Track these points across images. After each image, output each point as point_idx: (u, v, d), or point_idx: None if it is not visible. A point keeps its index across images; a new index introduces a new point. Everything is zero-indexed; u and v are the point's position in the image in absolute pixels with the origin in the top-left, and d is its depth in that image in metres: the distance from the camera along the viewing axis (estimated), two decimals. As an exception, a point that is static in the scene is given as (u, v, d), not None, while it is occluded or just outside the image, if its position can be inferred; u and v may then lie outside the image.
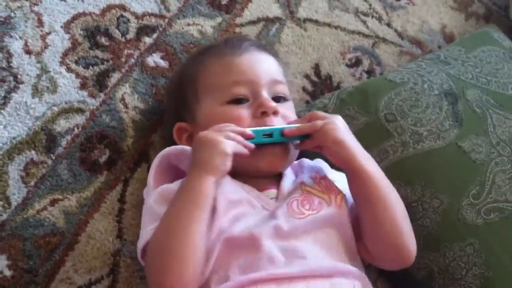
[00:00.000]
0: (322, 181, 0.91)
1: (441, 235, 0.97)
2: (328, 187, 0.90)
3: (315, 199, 0.88)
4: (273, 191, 0.91)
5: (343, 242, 0.86)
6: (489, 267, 0.95)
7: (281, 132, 0.88)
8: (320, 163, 0.98)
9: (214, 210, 0.83)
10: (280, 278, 0.79)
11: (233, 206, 0.85)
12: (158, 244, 0.79)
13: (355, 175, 0.87)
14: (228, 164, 0.82)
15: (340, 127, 0.88)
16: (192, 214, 0.79)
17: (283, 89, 0.96)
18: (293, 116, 0.95)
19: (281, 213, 0.85)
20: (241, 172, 0.89)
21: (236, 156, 0.84)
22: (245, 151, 0.84)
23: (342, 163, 0.88)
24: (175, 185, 0.86)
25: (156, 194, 0.87)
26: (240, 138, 0.84)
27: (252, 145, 0.85)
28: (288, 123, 0.91)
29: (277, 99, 0.94)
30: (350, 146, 0.87)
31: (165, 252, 0.78)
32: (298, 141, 0.92)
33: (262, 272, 0.79)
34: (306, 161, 0.98)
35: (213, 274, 0.80)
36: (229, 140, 0.83)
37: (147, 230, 0.84)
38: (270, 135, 0.88)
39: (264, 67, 0.96)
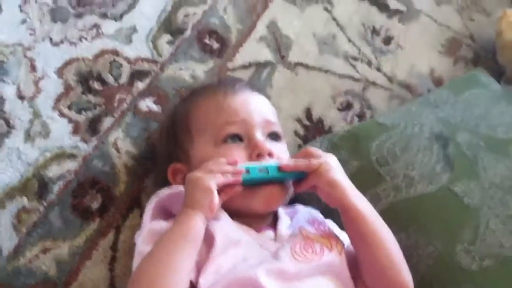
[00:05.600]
0: (321, 226, 0.92)
1: (436, 281, 0.96)
2: (328, 233, 0.91)
3: (316, 244, 0.88)
4: (270, 233, 0.91)
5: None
6: (486, 314, 0.94)
7: (277, 168, 0.88)
8: (314, 210, 0.98)
9: (211, 246, 0.83)
10: None
11: (233, 245, 0.84)
12: (141, 271, 0.79)
13: (348, 215, 0.87)
14: (213, 199, 0.82)
15: (334, 167, 0.89)
16: (177, 244, 0.79)
17: (276, 129, 0.97)
18: (287, 157, 0.95)
19: (285, 256, 0.85)
20: (236, 212, 0.89)
21: (229, 193, 0.85)
22: (231, 180, 0.84)
23: (336, 203, 0.88)
24: (164, 224, 0.86)
25: (145, 234, 0.86)
26: (227, 168, 0.84)
27: (242, 171, 0.85)
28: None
29: (271, 138, 0.95)
30: (343, 187, 0.88)
31: (146, 278, 0.77)
32: (290, 181, 0.92)
33: None
34: (300, 206, 0.98)
35: None
36: (213, 174, 0.83)
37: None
38: (265, 171, 0.88)
39: (257, 107, 0.97)
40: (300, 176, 0.90)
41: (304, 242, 0.87)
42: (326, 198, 0.89)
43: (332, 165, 0.89)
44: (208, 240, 0.83)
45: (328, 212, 0.97)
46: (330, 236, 0.90)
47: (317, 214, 0.96)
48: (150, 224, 0.88)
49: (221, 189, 0.84)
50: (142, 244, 0.85)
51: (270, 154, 0.91)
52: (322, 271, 0.85)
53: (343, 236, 0.92)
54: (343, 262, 0.88)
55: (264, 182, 0.89)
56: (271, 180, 0.89)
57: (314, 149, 0.92)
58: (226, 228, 0.86)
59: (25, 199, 0.95)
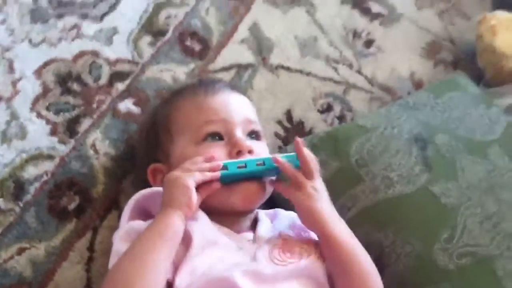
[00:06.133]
0: (301, 232, 0.91)
1: (414, 280, 0.97)
2: (307, 238, 0.90)
3: (295, 248, 0.87)
4: (249, 234, 0.91)
5: None
6: (463, 313, 0.95)
7: (256, 163, 0.88)
8: (295, 215, 0.97)
9: (188, 246, 0.82)
10: None
11: (210, 246, 0.84)
12: (117, 270, 0.78)
13: (326, 242, 0.86)
14: (192, 197, 0.82)
15: (319, 192, 0.88)
16: (154, 243, 0.79)
17: (256, 128, 0.97)
18: (267, 155, 0.95)
19: (262, 258, 0.84)
20: (216, 211, 0.89)
21: (207, 189, 0.85)
22: (208, 177, 0.84)
23: (314, 229, 0.88)
24: (143, 224, 0.85)
25: (122, 232, 0.86)
26: (204, 165, 0.85)
27: (218, 173, 0.85)
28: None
29: (251, 137, 0.95)
30: (323, 216, 0.86)
31: (122, 277, 0.76)
32: (272, 178, 0.91)
33: None
34: (281, 211, 0.98)
35: None
36: (191, 172, 0.84)
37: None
38: (244, 167, 0.88)
39: (237, 106, 0.97)
40: (278, 173, 0.90)
41: (283, 245, 0.87)
42: (304, 221, 0.88)
43: (317, 189, 0.87)
44: (186, 240, 0.83)
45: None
46: (310, 242, 0.89)
47: (298, 219, 0.95)
48: (128, 224, 0.87)
49: (200, 187, 0.84)
50: (119, 242, 0.84)
51: (250, 152, 0.91)
52: (299, 275, 0.85)
53: None
54: (321, 268, 0.87)
55: (243, 178, 0.88)
56: (249, 176, 0.89)
57: (313, 161, 0.89)
58: (203, 228, 0.85)
59: (0, 200, 0.94)
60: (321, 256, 0.88)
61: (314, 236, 0.91)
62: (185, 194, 0.82)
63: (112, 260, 0.84)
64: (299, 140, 0.89)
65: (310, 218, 0.87)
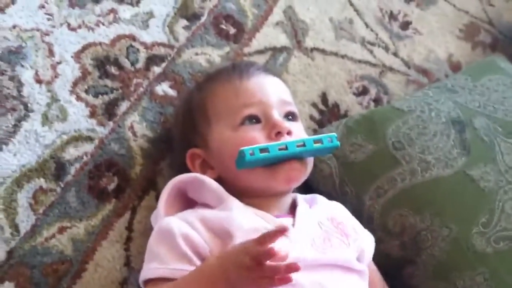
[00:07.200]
0: (340, 225, 0.92)
1: (451, 264, 0.97)
2: (346, 232, 0.91)
3: (334, 240, 0.88)
4: (288, 219, 0.90)
5: (359, 285, 0.88)
6: (500, 297, 0.94)
7: (296, 145, 0.88)
8: (336, 204, 0.98)
9: (227, 239, 0.82)
10: None
11: (250, 236, 0.81)
12: None
13: None
14: None
15: None
16: None
17: (293, 109, 0.97)
18: (305, 136, 0.95)
19: (303, 244, 0.85)
20: (254, 192, 0.89)
21: (252, 174, 0.85)
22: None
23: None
24: (175, 225, 0.85)
25: (155, 232, 0.86)
26: (280, 267, 0.74)
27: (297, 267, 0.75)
28: None
29: (288, 118, 0.95)
30: None
31: None
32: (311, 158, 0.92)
33: None
34: (319, 197, 0.98)
35: None
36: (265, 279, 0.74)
37: (145, 268, 0.84)
38: (285, 148, 0.88)
39: (272, 88, 0.97)
40: (320, 154, 0.90)
41: (323, 236, 0.88)
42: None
43: None
44: (225, 236, 0.83)
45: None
46: (348, 235, 0.90)
47: (337, 212, 0.96)
48: (163, 221, 0.87)
49: None
50: (154, 241, 0.85)
51: (289, 133, 0.91)
52: (338, 265, 0.86)
53: (363, 235, 0.94)
54: (356, 260, 0.89)
55: (284, 159, 0.89)
56: (291, 157, 0.89)
57: None
58: (240, 219, 0.84)
59: (42, 180, 0.95)
60: (359, 250, 0.90)
61: (350, 229, 0.92)
62: None
63: (148, 257, 0.85)
64: None
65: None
